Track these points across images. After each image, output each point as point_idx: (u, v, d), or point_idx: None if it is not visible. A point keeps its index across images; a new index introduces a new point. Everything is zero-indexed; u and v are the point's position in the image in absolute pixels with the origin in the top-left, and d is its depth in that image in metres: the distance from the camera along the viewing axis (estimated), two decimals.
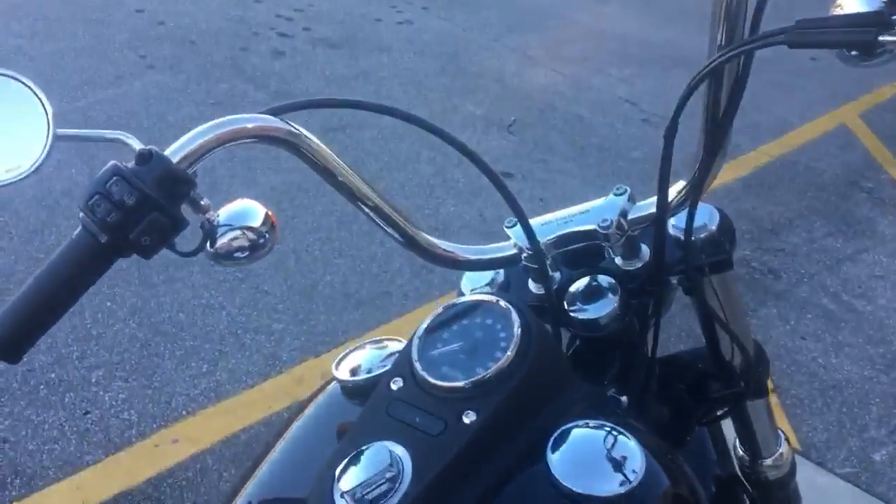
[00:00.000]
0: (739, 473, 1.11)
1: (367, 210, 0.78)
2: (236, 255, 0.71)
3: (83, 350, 2.21)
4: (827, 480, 2.08)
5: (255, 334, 2.34)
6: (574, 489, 0.60)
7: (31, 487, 1.82)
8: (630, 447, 0.63)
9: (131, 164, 0.62)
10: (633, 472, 0.62)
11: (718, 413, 0.96)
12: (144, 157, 0.63)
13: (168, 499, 1.81)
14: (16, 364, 0.68)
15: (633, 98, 4.23)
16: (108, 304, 2.40)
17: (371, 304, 2.50)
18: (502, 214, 0.80)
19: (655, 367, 0.88)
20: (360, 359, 0.82)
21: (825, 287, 2.87)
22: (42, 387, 2.08)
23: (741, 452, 1.10)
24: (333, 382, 0.83)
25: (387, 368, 0.75)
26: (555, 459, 0.62)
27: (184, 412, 2.05)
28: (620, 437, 0.64)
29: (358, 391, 0.79)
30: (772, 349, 2.52)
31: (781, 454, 1.09)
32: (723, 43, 0.70)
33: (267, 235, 0.73)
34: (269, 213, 0.73)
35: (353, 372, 0.80)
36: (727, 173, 3.60)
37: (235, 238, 0.71)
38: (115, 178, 0.61)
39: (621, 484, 0.61)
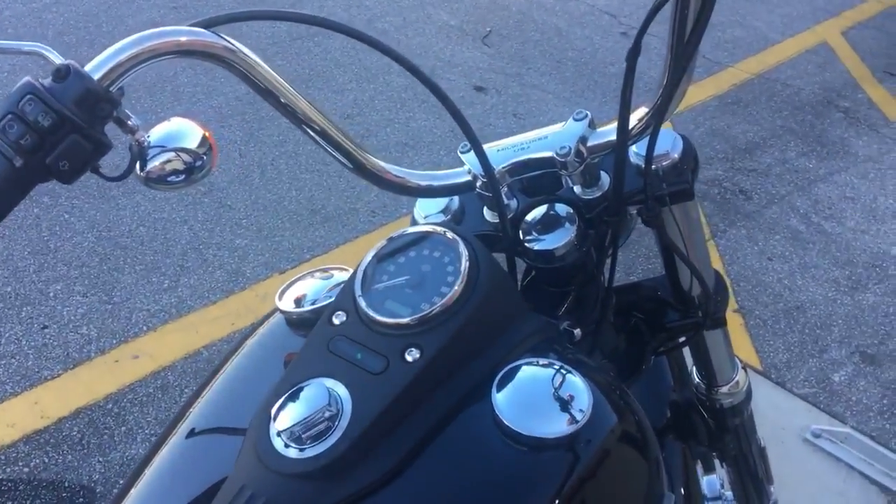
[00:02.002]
0: (696, 400, 1.11)
1: (312, 133, 0.73)
2: (170, 178, 0.66)
3: (40, 263, 2.16)
4: (786, 401, 2.11)
5: (218, 249, 2.30)
6: (519, 430, 0.58)
7: None
8: (578, 386, 0.61)
9: (48, 81, 0.57)
10: (581, 411, 0.59)
11: (676, 342, 0.95)
12: (62, 74, 0.57)
13: (129, 414, 1.80)
14: None
15: (613, 10, 4.11)
16: (66, 216, 2.33)
17: (338, 220, 2.46)
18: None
19: (612, 298, 0.86)
20: (305, 289, 0.78)
21: (795, 208, 2.86)
22: (35, 297, 2.04)
23: (697, 379, 1.09)
24: (277, 313, 0.80)
25: (331, 300, 0.71)
26: (500, 399, 0.60)
27: (144, 328, 2.02)
28: (568, 376, 0.62)
29: (302, 322, 0.76)
30: (738, 270, 2.53)
31: (737, 382, 1.09)
32: None
33: (204, 157, 0.67)
34: (207, 133, 0.68)
35: (298, 302, 0.77)
36: (703, 91, 3.55)
37: (169, 161, 0.65)
38: (28, 96, 0.56)
39: (568, 424, 0.59)
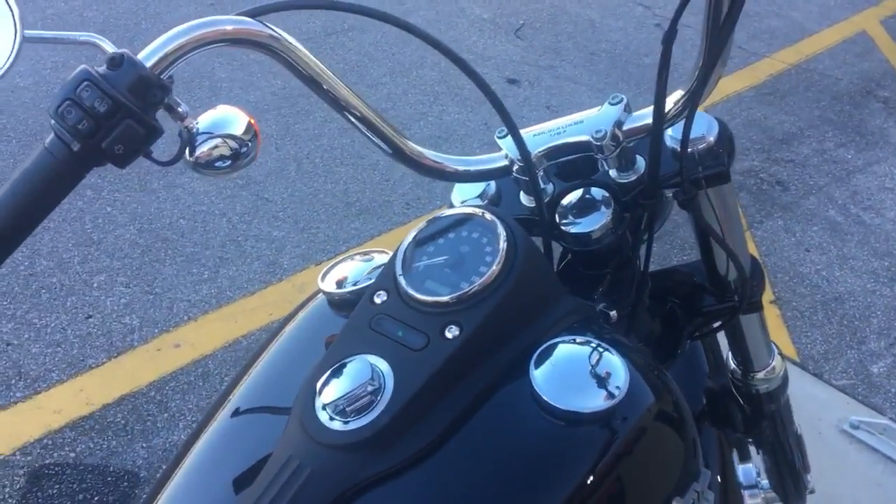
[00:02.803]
0: (731, 386, 1.11)
1: (353, 119, 0.75)
2: (217, 164, 0.68)
3: (84, 255, 2.21)
4: (823, 392, 2.09)
5: (257, 241, 2.34)
6: (557, 405, 0.60)
7: (35, 389, 1.85)
8: (615, 363, 0.62)
9: (103, 69, 0.59)
10: (617, 388, 0.61)
11: (711, 327, 0.95)
12: (116, 62, 0.59)
13: (171, 401, 1.84)
14: None
15: (647, 2, 4.09)
16: (108, 209, 2.39)
17: (373, 212, 2.49)
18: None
19: (648, 281, 0.87)
20: (347, 271, 0.80)
21: (833, 199, 2.83)
22: (44, 291, 2.09)
23: (733, 365, 1.10)
24: (319, 295, 0.82)
25: (372, 281, 0.73)
26: (538, 375, 0.62)
27: (185, 318, 2.07)
28: (606, 354, 0.63)
29: (344, 303, 0.78)
30: (775, 261, 2.51)
31: (773, 368, 1.08)
32: None
33: (249, 144, 0.69)
34: (252, 120, 0.70)
35: (339, 284, 0.79)
36: (739, 81, 3.52)
37: (216, 146, 0.67)
38: (85, 83, 0.58)
39: (605, 400, 0.60)
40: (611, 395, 0.60)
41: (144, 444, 1.74)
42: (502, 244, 0.66)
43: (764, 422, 1.14)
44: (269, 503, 0.58)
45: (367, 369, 0.61)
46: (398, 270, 0.68)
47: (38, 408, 1.80)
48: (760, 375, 1.09)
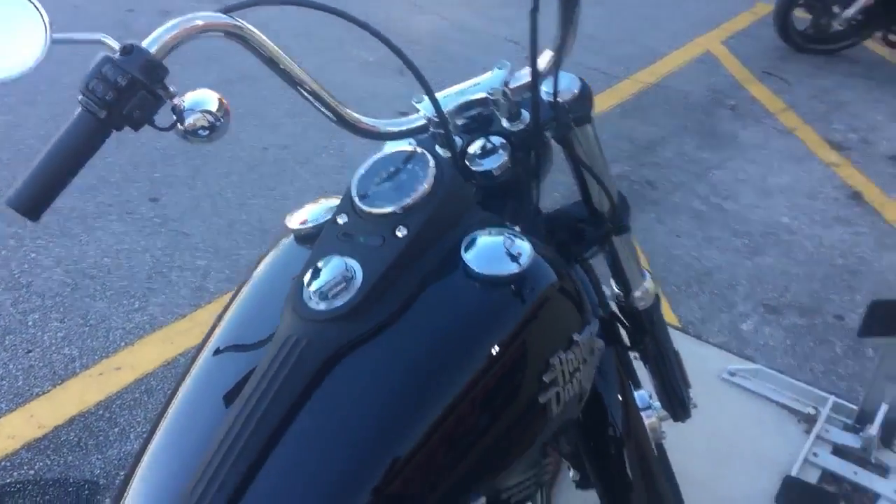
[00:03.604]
0: (616, 308, 1.36)
1: (304, 93, 0.96)
2: (199, 132, 0.88)
3: (15, 297, 2.31)
4: (703, 349, 2.39)
5: (181, 271, 2.49)
6: (481, 272, 0.82)
7: None
8: (523, 245, 0.85)
9: (117, 56, 0.79)
10: (523, 259, 0.84)
11: (594, 249, 1.20)
12: (128, 49, 0.79)
13: (119, 417, 1.97)
14: (36, 221, 0.85)
15: (515, 37, 4.46)
16: (33, 255, 2.49)
17: None
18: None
19: (540, 212, 1.11)
20: (308, 212, 1.01)
21: (695, 192, 3.20)
22: (15, 327, 2.18)
23: (616, 290, 1.35)
24: (288, 235, 1.02)
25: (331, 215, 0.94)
26: (466, 256, 0.84)
27: (122, 343, 2.19)
28: (516, 239, 0.86)
29: (308, 237, 0.98)
30: (652, 247, 2.83)
31: (647, 289, 1.35)
32: None
33: (222, 119, 0.90)
34: (223, 99, 0.91)
35: (304, 222, 0.99)
36: (605, 101, 3.90)
37: (198, 119, 0.87)
38: (108, 64, 0.77)
39: (515, 267, 0.83)
40: (519, 264, 0.83)
41: (99, 457, 1.86)
42: (431, 168, 0.88)
43: (646, 337, 1.40)
44: (278, 369, 0.78)
45: (341, 264, 0.82)
46: (354, 195, 0.89)
47: (99, 374, 1.90)
48: (638, 294, 1.34)
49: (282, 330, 0.81)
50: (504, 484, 0.97)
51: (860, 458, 2.03)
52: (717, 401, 2.21)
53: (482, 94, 1.01)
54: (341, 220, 0.88)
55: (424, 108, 1.01)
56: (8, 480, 1.78)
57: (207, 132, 0.88)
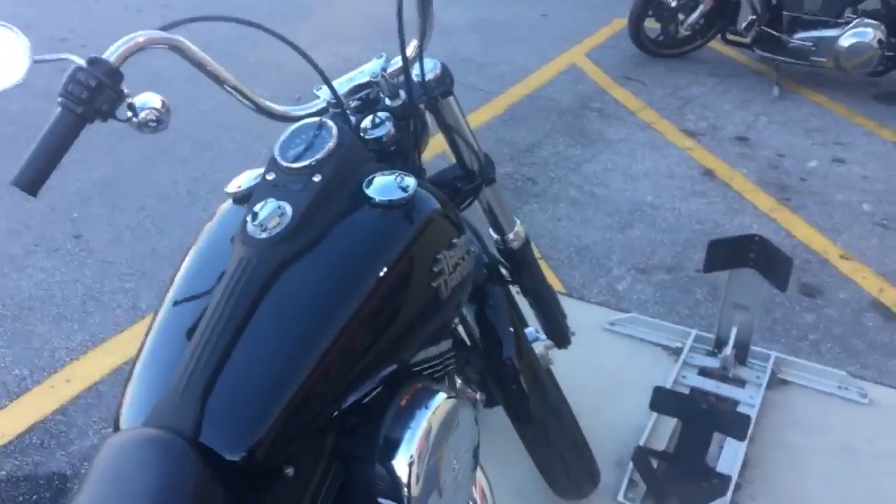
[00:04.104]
0: (496, 252, 1.69)
1: (229, 89, 1.26)
2: (150, 124, 1.16)
3: None
4: (587, 308, 2.76)
5: (113, 294, 2.70)
6: (379, 199, 1.13)
7: None
8: (409, 180, 1.16)
9: (85, 65, 1.08)
10: (411, 188, 1.15)
11: (469, 199, 1.53)
12: (93, 61, 1.08)
13: (76, 419, 2.18)
14: (35, 196, 1.11)
15: None
16: None
17: None
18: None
19: (425, 171, 1.43)
20: (241, 179, 1.29)
21: (571, 183, 3.61)
22: None
23: (494, 236, 1.68)
24: (227, 200, 1.30)
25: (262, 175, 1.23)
26: (368, 190, 1.15)
27: (68, 359, 2.40)
28: (404, 177, 1.18)
29: (244, 198, 1.27)
30: (537, 231, 3.20)
31: (518, 232, 1.69)
32: None
33: (166, 115, 1.19)
34: (165, 100, 1.19)
35: (238, 187, 1.28)
36: (485, 114, 4.29)
37: (148, 114, 1.16)
38: (81, 72, 1.06)
39: (403, 193, 1.14)
40: (406, 192, 1.14)
41: (63, 453, 2.07)
42: (334, 130, 1.19)
43: (523, 273, 1.74)
44: (236, 281, 1.07)
45: (274, 204, 1.11)
46: (278, 156, 1.19)
47: (51, 387, 2.08)
48: (511, 237, 1.68)
49: (234, 257, 1.10)
50: (413, 357, 1.27)
51: (721, 375, 2.42)
52: (601, 348, 2.58)
53: (367, 79, 1.34)
54: (270, 176, 1.17)
55: (323, 94, 1.33)
56: None
57: (155, 124, 1.16)
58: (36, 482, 1.98)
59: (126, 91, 1.10)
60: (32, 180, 1.07)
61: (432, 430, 1.10)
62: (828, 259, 3.10)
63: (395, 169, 1.24)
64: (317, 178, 1.10)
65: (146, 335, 1.11)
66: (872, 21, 4.57)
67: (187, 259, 1.20)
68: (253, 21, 1.23)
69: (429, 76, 1.37)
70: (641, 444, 2.10)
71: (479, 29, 5.47)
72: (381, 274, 1.08)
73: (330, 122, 1.18)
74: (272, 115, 1.32)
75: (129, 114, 1.12)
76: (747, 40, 4.97)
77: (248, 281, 1.04)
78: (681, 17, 5.13)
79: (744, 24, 4.93)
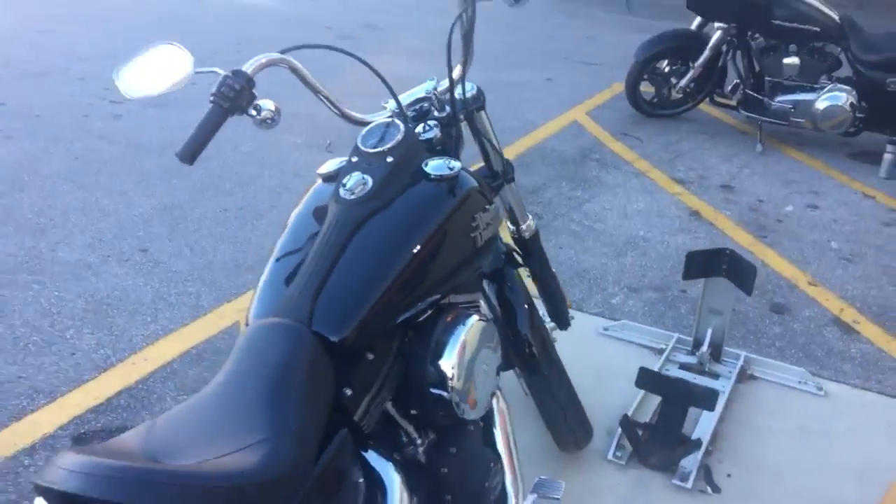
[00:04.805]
0: (512, 240, 2.15)
1: (322, 98, 1.72)
2: (267, 121, 1.63)
3: (42, 324, 2.92)
4: (585, 318, 3.20)
5: (178, 296, 3.15)
6: (434, 174, 1.59)
7: (53, 395, 2.54)
8: (456, 163, 1.63)
9: (231, 73, 1.54)
10: (457, 169, 1.61)
11: (496, 192, 1.99)
12: (236, 72, 1.56)
13: (156, 387, 2.60)
14: (191, 164, 1.57)
15: None
16: (56, 293, 3.11)
17: (257, 268, 3.37)
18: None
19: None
20: (328, 165, 1.75)
21: (572, 219, 4.08)
22: (30, 345, 2.78)
23: (510, 227, 2.14)
24: (317, 181, 1.75)
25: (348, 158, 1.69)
26: (426, 168, 1.61)
27: (144, 344, 2.83)
28: (452, 161, 1.64)
29: (330, 177, 1.73)
30: None
31: (529, 223, 2.14)
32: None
33: (278, 117, 1.65)
34: (278, 106, 1.66)
35: (327, 170, 1.74)
36: None
37: (266, 114, 1.63)
38: (230, 77, 1.53)
39: (452, 172, 1.60)
40: (453, 170, 1.60)
41: (147, 413, 2.49)
42: (402, 127, 1.66)
43: (533, 258, 2.19)
44: (334, 225, 1.52)
45: (359, 175, 1.57)
46: (361, 145, 1.65)
47: (132, 364, 2.50)
48: (524, 227, 2.14)
49: (330, 211, 1.55)
50: (456, 290, 1.70)
51: (698, 369, 2.84)
52: (595, 348, 3.01)
53: (422, 94, 1.81)
54: (354, 159, 1.63)
55: (390, 106, 1.80)
56: (82, 431, 2.39)
57: (270, 122, 1.62)
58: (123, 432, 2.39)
59: (256, 95, 1.57)
60: (191, 155, 1.52)
61: (468, 340, 1.55)
62: (797, 285, 3.55)
63: (443, 156, 1.71)
64: (389, 159, 1.56)
65: (269, 258, 1.56)
66: (845, 86, 5.11)
67: (292, 216, 1.65)
68: (345, 50, 1.70)
69: (468, 95, 1.85)
70: (628, 414, 2.52)
71: (490, 89, 5.97)
72: (436, 224, 1.53)
73: (398, 121, 1.65)
74: (352, 120, 1.78)
75: (254, 112, 1.59)
76: (733, 102, 5.51)
77: (343, 224, 1.49)
78: (673, 81, 5.69)
79: (730, 88, 5.48)
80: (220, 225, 3.75)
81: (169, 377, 2.67)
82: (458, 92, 1.83)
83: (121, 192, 4.01)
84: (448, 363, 1.51)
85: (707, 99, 5.68)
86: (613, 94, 6.23)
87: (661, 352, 2.95)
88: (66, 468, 1.01)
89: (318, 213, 1.60)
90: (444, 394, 1.52)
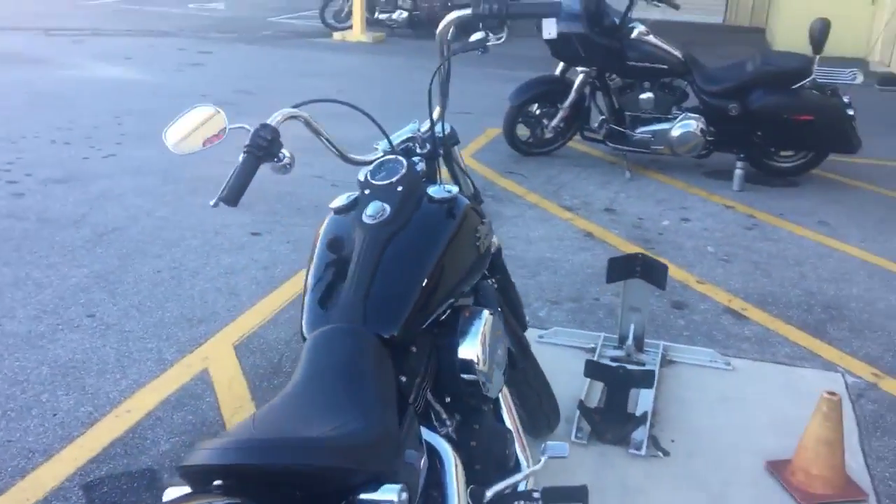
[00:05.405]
0: None
1: (327, 144, 2.02)
2: (286, 167, 1.92)
3: (22, 389, 2.99)
4: None
5: (140, 352, 3.28)
6: (435, 196, 1.92)
7: (48, 453, 2.63)
8: (452, 187, 1.97)
9: (260, 127, 1.83)
10: (454, 192, 1.95)
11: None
12: (264, 125, 1.84)
13: (147, 433, 2.74)
14: (235, 206, 1.83)
15: (320, 173, 5.64)
16: (18, 363, 3.17)
17: (209, 321, 3.55)
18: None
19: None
20: (338, 199, 2.04)
21: None
22: (9, 412, 2.85)
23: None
24: (329, 213, 2.03)
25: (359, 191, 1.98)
26: (429, 192, 1.94)
27: (122, 398, 2.96)
28: (448, 186, 1.98)
29: (342, 209, 2.01)
30: None
31: (494, 240, 2.49)
32: (443, 54, 2.10)
33: (292, 164, 1.94)
34: (293, 154, 1.95)
35: (339, 204, 2.02)
36: None
37: (286, 160, 1.92)
38: (262, 130, 1.82)
39: (450, 194, 1.94)
40: (452, 193, 1.94)
41: (145, 455, 2.63)
42: (405, 162, 1.98)
43: (497, 271, 2.54)
44: (364, 245, 1.82)
45: (378, 203, 1.88)
46: (371, 179, 1.95)
47: (116, 417, 2.60)
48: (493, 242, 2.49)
49: (357, 235, 1.85)
50: (463, 295, 2.02)
51: (626, 360, 3.27)
52: (537, 354, 3.37)
53: (409, 134, 2.15)
54: (366, 191, 1.94)
55: (381, 146, 2.12)
56: (89, 479, 2.51)
57: (289, 168, 1.92)
58: (130, 476, 2.53)
59: (283, 143, 1.85)
60: (234, 198, 1.78)
61: (486, 331, 1.87)
62: (688, 284, 4.09)
63: (440, 182, 2.05)
64: (399, 189, 1.88)
65: (306, 275, 1.83)
66: (694, 115, 5.83)
67: (317, 246, 1.92)
68: (348, 102, 2.01)
69: (445, 132, 2.20)
70: (581, 398, 2.90)
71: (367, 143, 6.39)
72: (449, 237, 1.86)
73: (401, 157, 1.97)
74: (352, 161, 2.09)
75: (275, 160, 1.87)
76: (600, 137, 6.14)
77: (372, 243, 1.80)
78: (545, 122, 6.27)
79: (597, 125, 6.12)
80: (158, 286, 3.89)
81: (156, 424, 2.82)
82: (437, 130, 2.18)
83: (49, 264, 4.07)
84: (473, 351, 1.83)
85: (578, 135, 6.29)
86: (489, 138, 6.75)
87: (592, 350, 3.36)
88: (209, 448, 1.26)
89: (341, 239, 1.89)
90: (473, 377, 1.83)
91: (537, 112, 6.28)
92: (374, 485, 1.36)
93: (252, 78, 9.12)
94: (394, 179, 1.90)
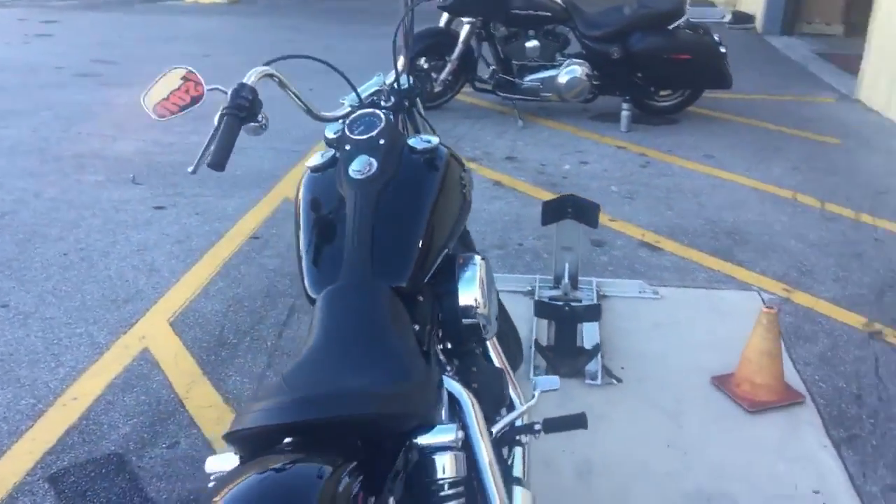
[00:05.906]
0: None
1: (298, 102, 1.98)
2: (262, 127, 1.87)
3: None
4: None
5: (70, 338, 3.12)
6: (417, 147, 1.92)
7: (0, 449, 2.49)
8: (433, 138, 1.98)
9: (238, 87, 1.77)
10: (435, 141, 1.96)
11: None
12: (243, 85, 1.79)
13: (101, 418, 2.62)
14: (223, 171, 1.77)
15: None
16: None
17: (133, 300, 3.41)
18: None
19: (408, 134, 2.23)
20: (314, 159, 2.00)
21: None
22: None
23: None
24: (306, 172, 2.00)
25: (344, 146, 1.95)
26: (411, 143, 1.94)
27: (63, 386, 2.81)
28: (428, 136, 1.98)
29: (320, 168, 1.98)
30: None
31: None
32: (407, 4, 2.09)
33: (267, 124, 1.90)
34: (266, 115, 1.90)
35: (316, 161, 1.99)
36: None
37: (263, 121, 1.87)
38: (242, 90, 1.77)
39: (433, 144, 1.95)
40: (433, 142, 1.95)
41: (106, 440, 2.52)
42: (383, 115, 1.97)
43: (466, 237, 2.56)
44: (355, 200, 1.80)
45: (365, 157, 1.87)
46: (350, 134, 1.93)
47: (63, 406, 2.45)
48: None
49: (346, 190, 1.83)
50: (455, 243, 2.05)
51: (564, 299, 3.39)
52: None
53: (375, 88, 2.13)
54: (347, 146, 1.92)
55: (348, 101, 2.10)
56: (52, 472, 2.38)
57: (264, 129, 1.87)
58: (97, 462, 2.43)
59: (262, 102, 1.80)
60: (220, 163, 1.73)
61: (482, 276, 1.91)
62: (602, 223, 4.25)
63: (419, 134, 2.05)
64: (382, 141, 1.88)
65: (297, 238, 1.80)
66: (578, 60, 6.00)
67: (300, 207, 1.90)
68: (319, 58, 1.98)
69: (407, 85, 2.19)
70: (534, 338, 3.00)
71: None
72: (439, 185, 1.88)
73: (378, 111, 1.96)
74: (323, 118, 2.06)
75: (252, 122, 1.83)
76: (490, 86, 6.22)
77: (365, 198, 1.79)
78: (433, 76, 6.28)
79: (487, 76, 6.19)
80: (69, 269, 3.68)
81: (108, 408, 2.70)
82: (402, 82, 2.17)
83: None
84: (473, 295, 1.87)
85: (469, 86, 6.34)
86: None
87: (530, 293, 3.46)
88: (265, 409, 1.26)
89: (326, 197, 1.87)
90: (474, 321, 1.87)
91: (425, 66, 6.29)
92: (426, 428, 1.39)
93: (109, 46, 8.63)
94: (374, 133, 1.89)
